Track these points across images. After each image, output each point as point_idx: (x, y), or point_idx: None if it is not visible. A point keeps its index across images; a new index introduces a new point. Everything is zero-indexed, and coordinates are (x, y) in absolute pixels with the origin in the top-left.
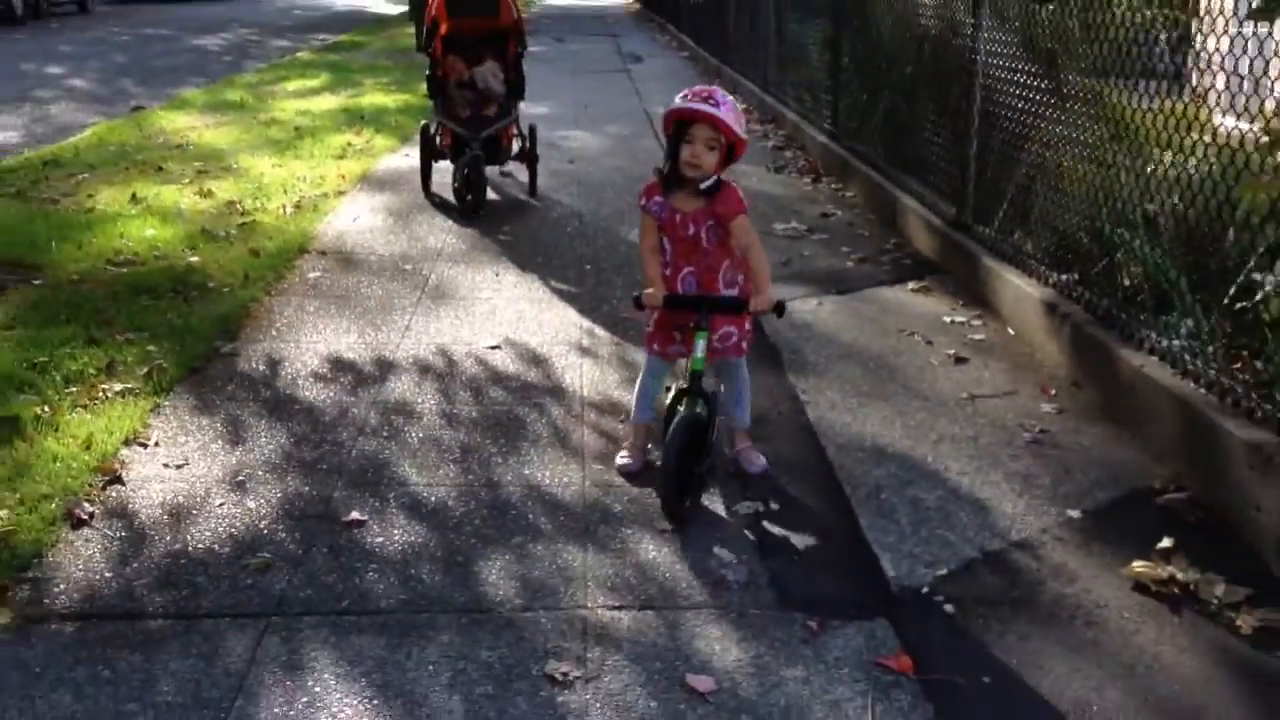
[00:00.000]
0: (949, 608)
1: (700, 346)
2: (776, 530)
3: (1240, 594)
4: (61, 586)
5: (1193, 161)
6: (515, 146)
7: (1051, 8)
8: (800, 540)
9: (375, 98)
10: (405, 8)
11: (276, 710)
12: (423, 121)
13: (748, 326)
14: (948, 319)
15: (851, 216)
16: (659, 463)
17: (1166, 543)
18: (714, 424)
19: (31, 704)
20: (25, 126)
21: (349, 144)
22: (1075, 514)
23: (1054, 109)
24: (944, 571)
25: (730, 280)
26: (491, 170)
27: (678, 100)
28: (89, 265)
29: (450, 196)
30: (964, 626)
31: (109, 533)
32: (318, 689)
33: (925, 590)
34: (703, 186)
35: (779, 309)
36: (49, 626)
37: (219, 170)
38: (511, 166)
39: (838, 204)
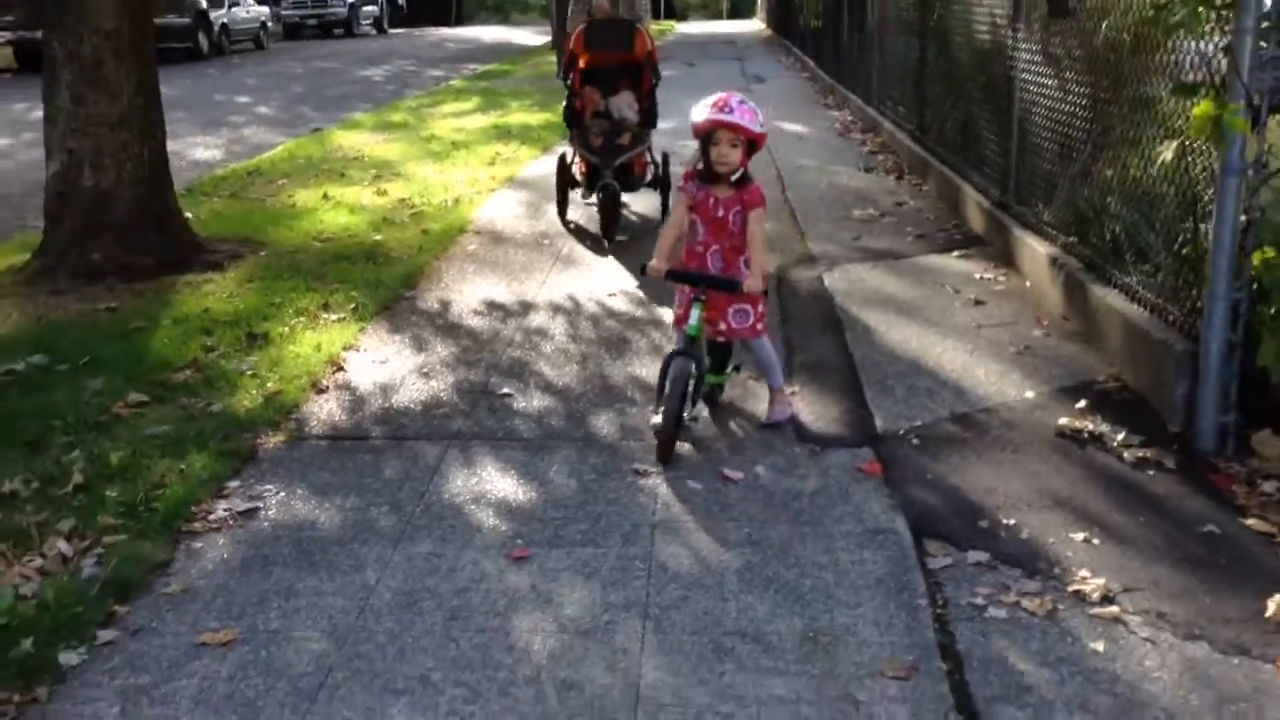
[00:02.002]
0: (915, 440)
1: (695, 315)
2: (804, 402)
3: (1135, 440)
4: (313, 423)
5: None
6: (649, 174)
7: (1056, 37)
8: (820, 407)
9: (520, 117)
10: (548, 38)
11: (459, 483)
12: (560, 150)
13: (761, 309)
14: (978, 275)
15: (923, 205)
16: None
17: (1083, 403)
18: (700, 382)
19: (306, 480)
20: (225, 146)
21: (498, 154)
22: (1031, 394)
23: (1063, 111)
24: (919, 423)
25: (748, 263)
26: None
27: (700, 113)
28: (300, 241)
29: (584, 223)
30: (921, 451)
31: (340, 395)
32: (483, 477)
33: (901, 433)
34: (733, 179)
35: (765, 293)
36: (308, 442)
37: (390, 175)
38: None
39: (914, 195)
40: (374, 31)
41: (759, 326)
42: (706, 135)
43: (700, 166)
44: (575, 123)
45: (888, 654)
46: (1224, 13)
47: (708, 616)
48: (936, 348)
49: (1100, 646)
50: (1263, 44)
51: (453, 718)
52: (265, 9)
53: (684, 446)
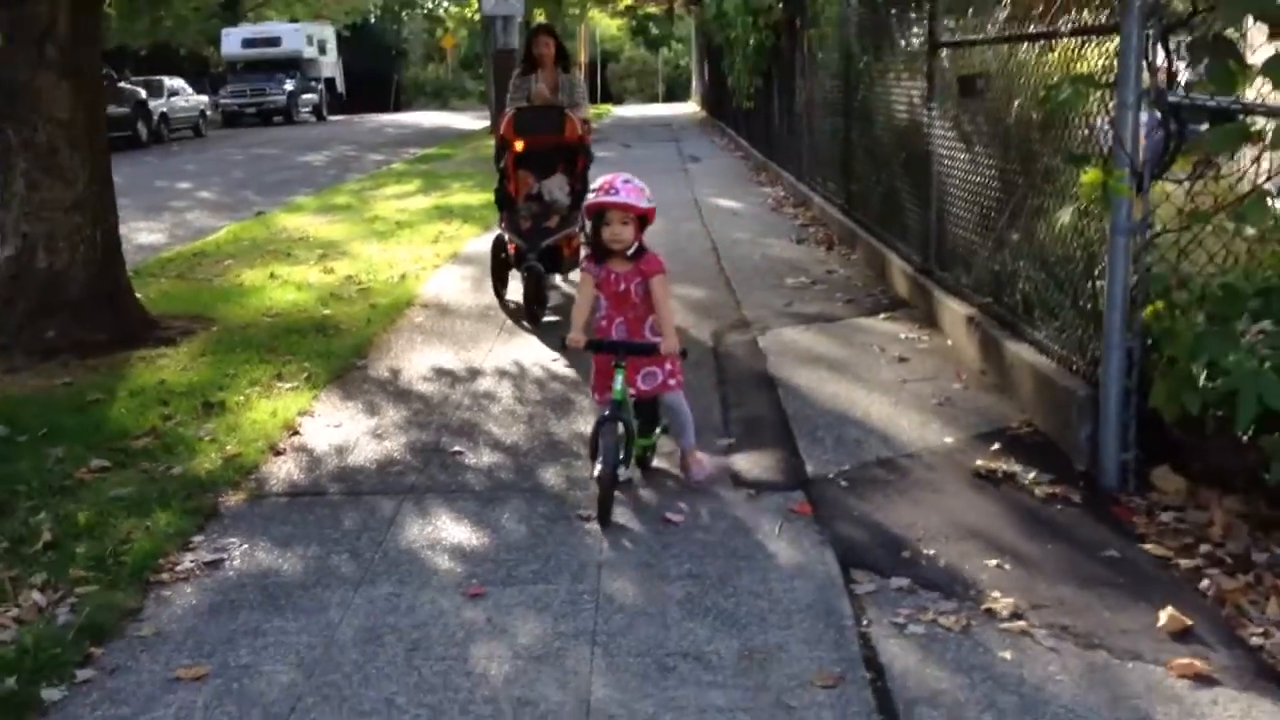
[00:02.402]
0: (843, 483)
1: (619, 381)
2: (740, 453)
3: (1044, 478)
4: (272, 482)
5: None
6: (583, 254)
7: (966, 115)
8: (755, 456)
9: (461, 197)
10: (487, 122)
11: (415, 532)
12: (495, 233)
13: (670, 367)
14: (903, 335)
15: (851, 273)
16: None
17: (996, 446)
18: (631, 444)
19: (269, 533)
20: (168, 230)
21: (440, 232)
22: (950, 440)
23: (976, 183)
24: (846, 468)
25: (655, 330)
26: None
27: (589, 197)
28: (250, 317)
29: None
30: (849, 492)
31: (297, 456)
32: (437, 526)
33: (830, 476)
34: (629, 254)
35: (683, 353)
36: (268, 499)
37: (336, 254)
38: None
39: (843, 264)
40: (313, 119)
41: (670, 383)
42: (598, 216)
43: (592, 246)
44: (507, 205)
45: (817, 667)
46: (1107, 91)
47: (652, 640)
48: (863, 401)
49: (1009, 655)
50: (1143, 115)
51: None
52: (204, 98)
53: (624, 495)
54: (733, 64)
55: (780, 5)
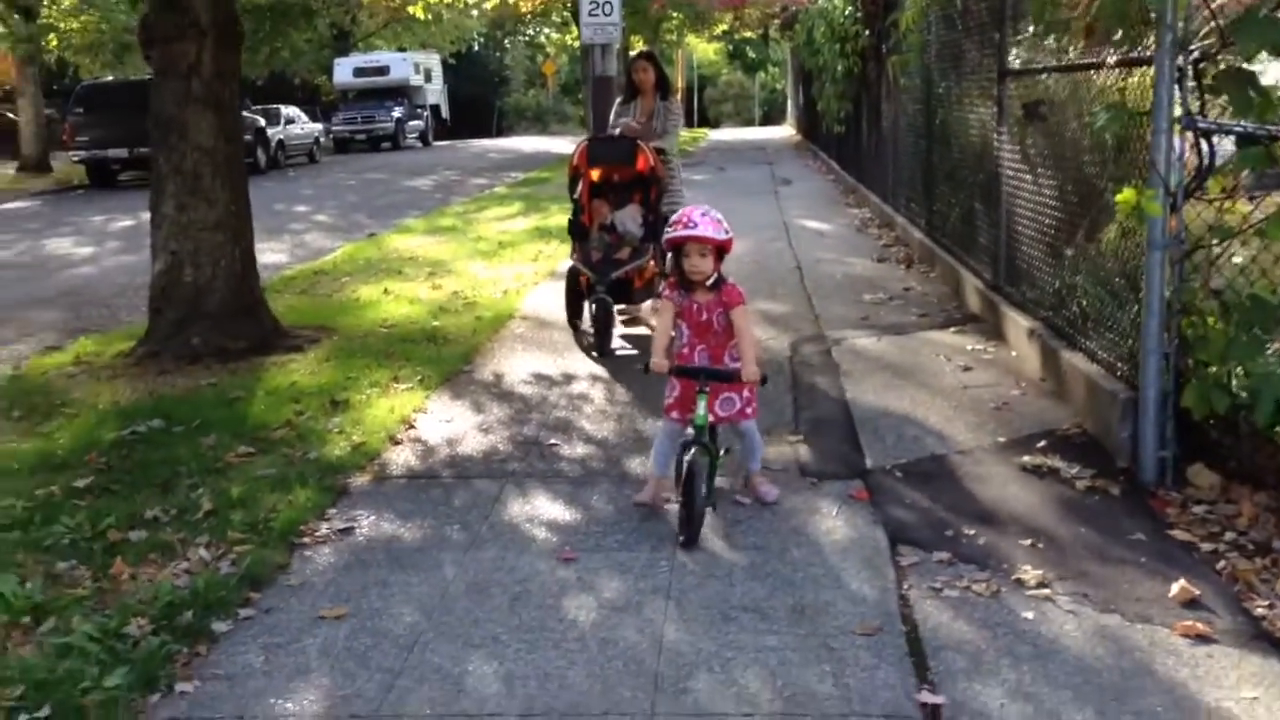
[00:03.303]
0: (899, 474)
1: (701, 407)
2: (808, 447)
3: (1087, 473)
4: (393, 467)
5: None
6: (659, 285)
7: (1030, 138)
8: (821, 451)
9: (559, 219)
10: None
11: (516, 509)
12: (564, 268)
13: (747, 394)
14: (969, 347)
15: (928, 289)
16: (671, 502)
17: (1043, 443)
18: (714, 470)
19: (391, 507)
20: (289, 250)
21: (540, 252)
22: (1003, 439)
23: (1038, 203)
24: (902, 461)
25: (734, 357)
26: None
27: (668, 231)
28: (367, 328)
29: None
30: (903, 482)
31: (414, 446)
32: (535, 504)
33: (888, 468)
34: (708, 284)
35: (763, 380)
36: (390, 481)
37: (443, 272)
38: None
39: (921, 282)
40: (419, 144)
41: (747, 411)
42: (677, 249)
43: (675, 278)
44: (581, 236)
45: (859, 620)
46: (1143, 117)
47: (717, 596)
48: (925, 404)
49: (1030, 615)
50: (1175, 141)
51: (517, 662)
52: (319, 125)
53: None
54: (822, 89)
55: (867, 33)
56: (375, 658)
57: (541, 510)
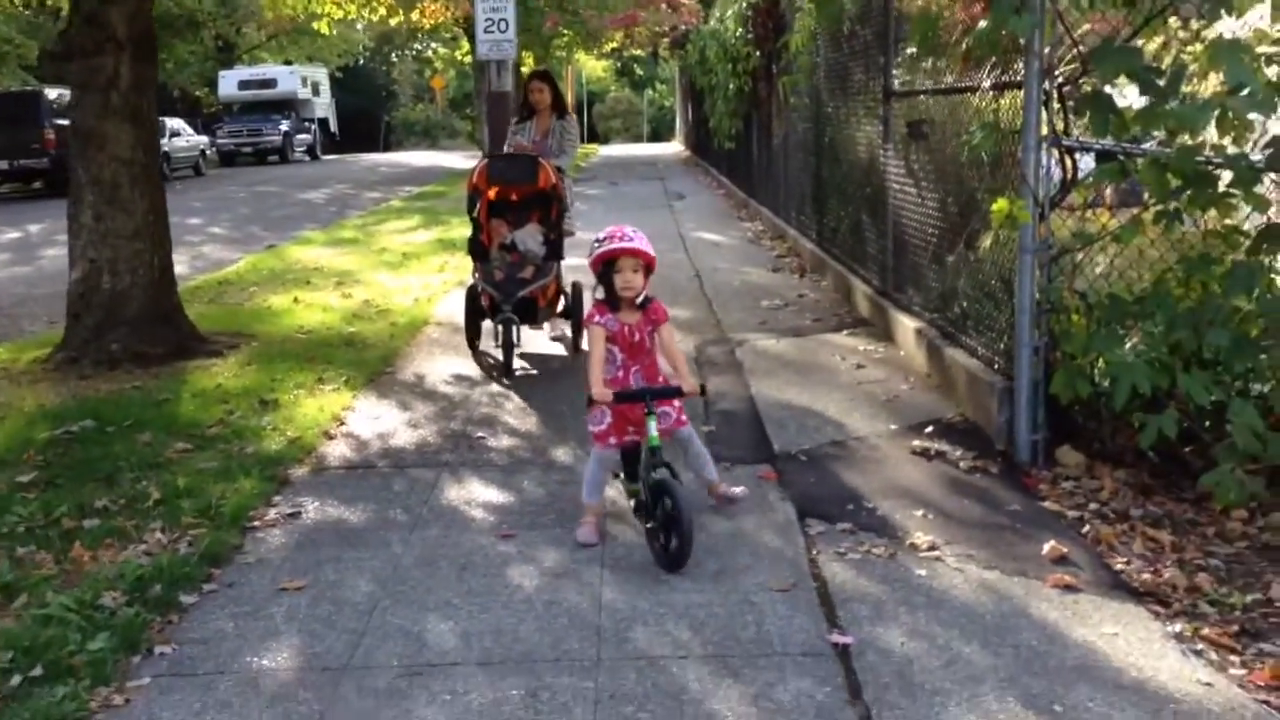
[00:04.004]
0: (803, 458)
1: (653, 427)
2: (721, 440)
3: (969, 455)
4: (330, 459)
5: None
6: (561, 304)
7: (914, 154)
8: (732, 439)
9: (461, 231)
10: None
11: (454, 493)
12: (468, 283)
13: (678, 404)
14: (862, 348)
15: (820, 296)
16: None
17: (930, 429)
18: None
19: (334, 494)
20: (188, 262)
21: (445, 263)
22: (894, 427)
23: (921, 214)
24: (806, 447)
25: (664, 372)
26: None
27: (601, 245)
28: (284, 334)
29: (495, 353)
30: (807, 464)
31: (348, 440)
32: (471, 489)
33: (793, 453)
34: (638, 302)
35: (702, 390)
36: (329, 471)
37: (351, 282)
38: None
39: (813, 289)
40: (307, 158)
41: (682, 419)
42: (609, 264)
43: (602, 297)
44: (480, 256)
45: (775, 579)
46: (1014, 135)
47: (648, 564)
48: (823, 398)
49: (923, 572)
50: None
51: (471, 621)
52: (204, 138)
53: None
54: (714, 106)
55: (758, 54)
56: (339, 621)
57: (477, 494)
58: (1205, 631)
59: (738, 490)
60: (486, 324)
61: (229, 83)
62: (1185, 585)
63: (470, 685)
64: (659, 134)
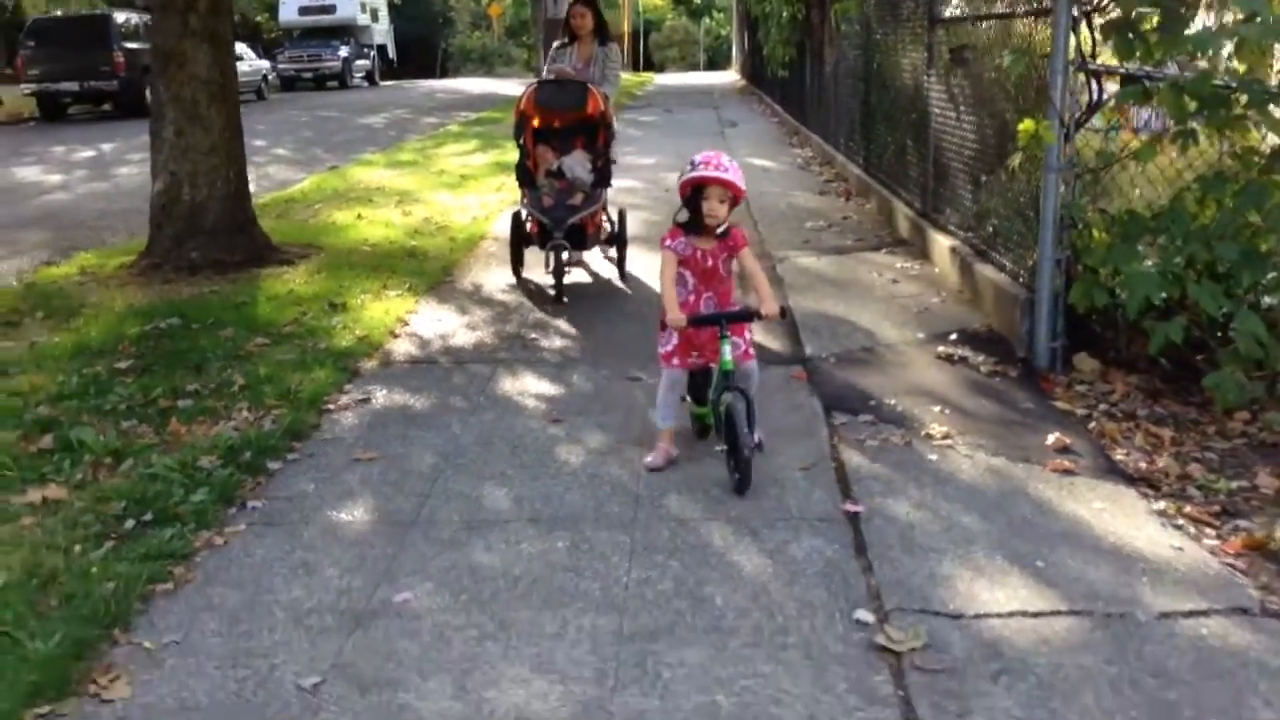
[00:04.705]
0: (831, 360)
1: (726, 350)
2: (756, 344)
3: (991, 360)
4: (395, 354)
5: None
6: (607, 230)
7: (955, 80)
8: (768, 344)
9: (517, 155)
10: None
11: (508, 385)
12: (514, 209)
13: (749, 336)
14: (899, 265)
15: (863, 218)
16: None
17: (955, 337)
18: (753, 411)
19: (400, 384)
20: (255, 181)
21: (502, 184)
22: (922, 336)
23: (959, 137)
24: (836, 351)
25: (737, 300)
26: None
27: (693, 170)
28: (350, 246)
29: (538, 280)
30: (836, 366)
31: (411, 339)
32: (524, 382)
33: (822, 356)
34: (719, 231)
35: (783, 313)
36: (395, 365)
37: (411, 201)
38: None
39: (857, 212)
40: (366, 84)
41: (750, 351)
42: (697, 190)
43: (684, 220)
44: (528, 182)
45: (799, 460)
46: (1043, 59)
47: (684, 445)
48: (858, 310)
49: (934, 457)
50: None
51: (523, 488)
52: (266, 63)
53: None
54: (768, 35)
55: None
56: (406, 485)
57: (530, 387)
58: (1188, 510)
59: (757, 436)
60: (530, 254)
61: (289, 8)
62: (1178, 473)
63: (521, 537)
64: (715, 63)
